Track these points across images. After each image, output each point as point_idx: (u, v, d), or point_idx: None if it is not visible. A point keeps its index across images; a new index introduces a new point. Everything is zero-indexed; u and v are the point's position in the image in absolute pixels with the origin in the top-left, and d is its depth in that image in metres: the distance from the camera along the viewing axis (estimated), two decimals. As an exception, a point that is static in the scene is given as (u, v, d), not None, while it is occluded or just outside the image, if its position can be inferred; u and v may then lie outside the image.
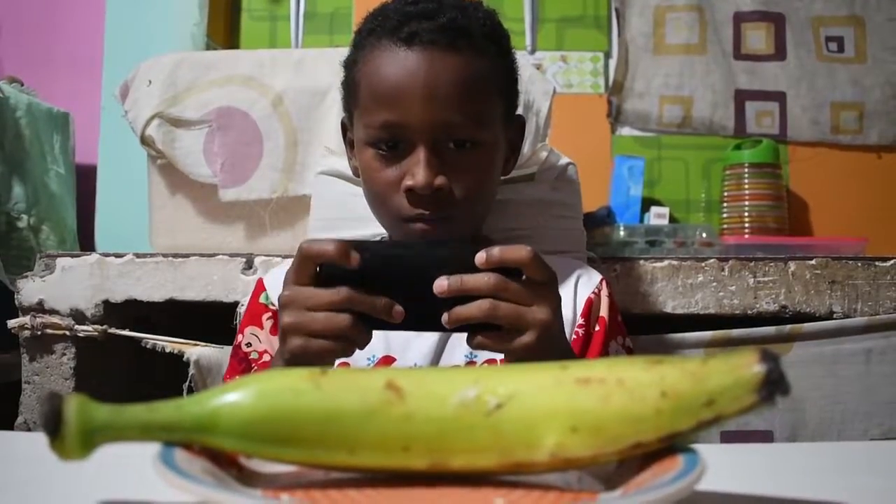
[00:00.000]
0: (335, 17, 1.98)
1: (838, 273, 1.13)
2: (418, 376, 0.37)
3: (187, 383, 1.12)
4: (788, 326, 1.12)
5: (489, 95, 0.79)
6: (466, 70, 0.76)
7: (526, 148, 1.42)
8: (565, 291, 0.82)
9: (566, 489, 0.37)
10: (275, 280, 0.84)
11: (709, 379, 0.35)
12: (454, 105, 0.76)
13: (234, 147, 1.35)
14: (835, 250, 1.73)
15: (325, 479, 0.38)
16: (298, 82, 1.37)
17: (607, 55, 1.96)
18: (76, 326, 1.16)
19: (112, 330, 1.16)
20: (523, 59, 1.77)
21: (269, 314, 0.84)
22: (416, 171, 0.74)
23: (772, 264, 1.13)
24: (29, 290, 1.17)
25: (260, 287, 0.88)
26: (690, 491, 0.32)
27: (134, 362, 1.24)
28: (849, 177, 1.92)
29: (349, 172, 1.13)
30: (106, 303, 1.16)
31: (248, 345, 0.83)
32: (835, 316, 1.12)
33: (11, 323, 1.16)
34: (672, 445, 0.36)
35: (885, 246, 1.83)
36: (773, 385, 0.34)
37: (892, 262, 1.13)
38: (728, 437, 1.14)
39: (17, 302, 1.17)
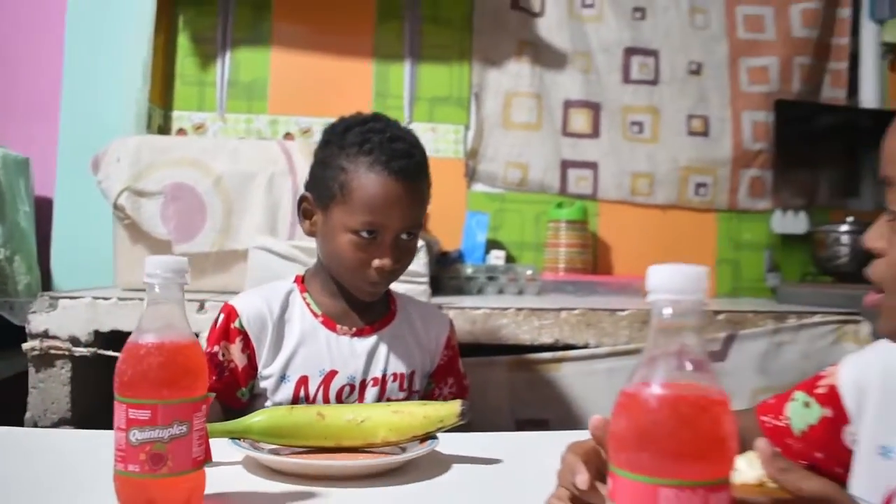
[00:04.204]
0: (253, 85, 2.46)
1: (592, 319, 1.75)
2: (332, 410, 0.93)
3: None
4: (560, 353, 1.73)
5: (427, 201, 1.20)
6: (423, 190, 1.17)
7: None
8: (431, 328, 1.27)
9: (389, 453, 0.93)
10: (245, 308, 1.17)
11: (441, 410, 0.92)
12: (415, 215, 1.16)
13: (184, 213, 1.83)
14: (625, 285, 2.39)
15: (292, 451, 0.93)
16: (234, 167, 1.86)
17: (467, 128, 2.53)
18: (73, 348, 1.63)
19: (100, 351, 1.63)
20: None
21: (241, 336, 1.15)
22: (385, 258, 1.13)
23: (551, 313, 1.74)
24: (37, 321, 1.63)
25: (233, 314, 1.16)
26: (429, 451, 0.89)
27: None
28: (642, 227, 2.57)
29: (276, 248, 1.66)
30: (96, 332, 1.63)
31: (223, 355, 1.15)
32: (589, 346, 1.74)
33: (25, 346, 1.62)
34: (429, 435, 0.92)
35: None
36: (464, 414, 0.91)
37: (626, 312, 1.76)
38: (521, 424, 1.74)
39: (27, 330, 1.63)
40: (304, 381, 1.17)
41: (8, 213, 2.06)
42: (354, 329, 1.21)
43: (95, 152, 1.93)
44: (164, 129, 2.41)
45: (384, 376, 1.20)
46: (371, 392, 1.19)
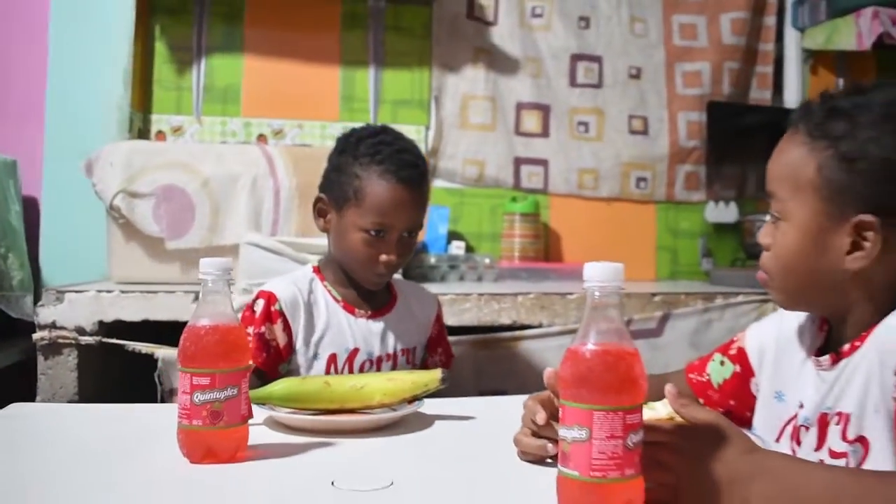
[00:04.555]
0: (228, 90, 2.61)
1: (545, 302, 1.98)
2: (337, 379, 1.13)
3: (156, 373, 1.79)
4: (517, 332, 1.96)
5: (427, 205, 1.40)
6: (424, 195, 1.36)
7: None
8: (424, 307, 1.49)
9: (381, 413, 1.14)
10: (282, 293, 1.33)
11: (426, 377, 1.13)
12: (418, 216, 1.35)
13: (175, 213, 2.01)
14: (574, 271, 2.62)
15: (306, 412, 1.13)
16: (220, 169, 2.04)
17: (427, 128, 2.72)
18: (79, 337, 1.79)
19: (104, 339, 1.81)
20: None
21: (281, 317, 1.32)
22: (391, 253, 1.32)
23: (508, 297, 1.96)
24: (45, 313, 1.79)
25: (273, 298, 1.32)
26: (414, 411, 1.10)
27: (120, 360, 1.88)
28: (588, 219, 2.80)
29: (265, 244, 1.84)
30: (100, 322, 1.80)
31: (269, 335, 1.31)
32: (543, 326, 1.97)
33: (35, 336, 1.78)
34: (415, 397, 1.14)
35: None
36: (444, 380, 1.13)
37: (575, 295, 2.00)
38: (485, 394, 1.96)
39: (36, 322, 1.79)
40: (333, 358, 1.36)
41: (1, 213, 2.20)
42: (369, 312, 1.40)
43: (80, 155, 2.09)
44: (143, 132, 2.55)
45: (395, 352, 1.41)
46: (386, 366, 1.40)
